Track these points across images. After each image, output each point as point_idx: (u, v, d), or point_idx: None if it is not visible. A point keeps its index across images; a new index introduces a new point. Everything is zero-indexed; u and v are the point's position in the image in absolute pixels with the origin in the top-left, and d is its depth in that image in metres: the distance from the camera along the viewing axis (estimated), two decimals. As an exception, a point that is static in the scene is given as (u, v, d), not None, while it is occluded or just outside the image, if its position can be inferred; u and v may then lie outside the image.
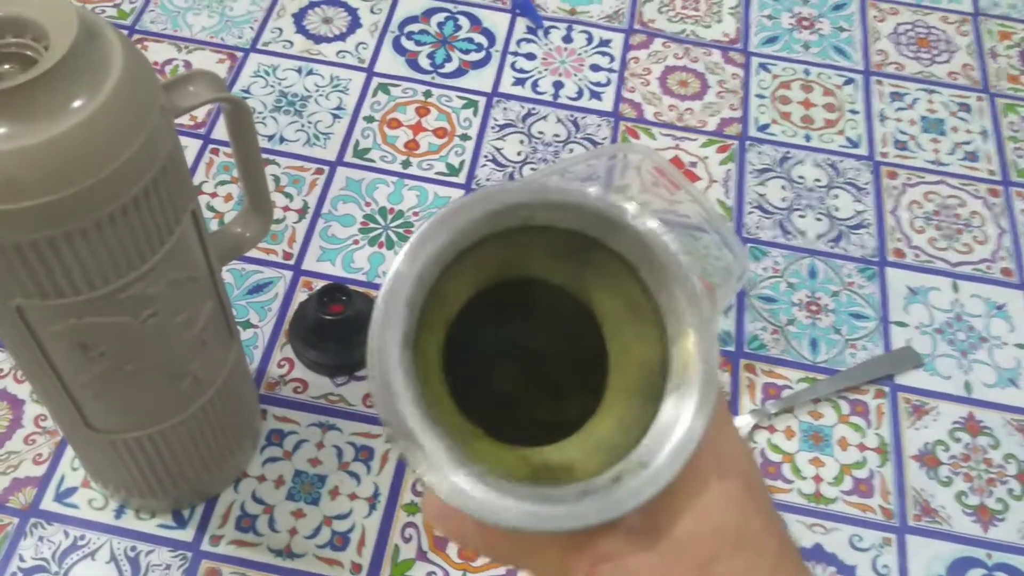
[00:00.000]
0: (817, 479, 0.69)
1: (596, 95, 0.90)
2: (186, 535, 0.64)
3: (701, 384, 0.29)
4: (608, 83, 0.91)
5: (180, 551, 0.63)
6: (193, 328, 0.52)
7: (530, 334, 0.36)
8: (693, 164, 0.86)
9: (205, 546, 0.63)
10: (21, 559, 0.62)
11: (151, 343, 0.49)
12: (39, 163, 0.39)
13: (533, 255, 0.31)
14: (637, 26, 0.96)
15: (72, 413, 0.53)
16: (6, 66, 0.42)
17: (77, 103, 0.40)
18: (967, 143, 0.89)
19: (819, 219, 0.83)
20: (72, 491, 0.65)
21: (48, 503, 0.65)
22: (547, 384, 0.37)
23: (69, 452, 0.66)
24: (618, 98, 0.90)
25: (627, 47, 0.94)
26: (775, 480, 0.68)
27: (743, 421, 0.70)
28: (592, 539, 0.30)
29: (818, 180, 0.85)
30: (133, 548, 0.63)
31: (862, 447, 0.70)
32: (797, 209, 0.83)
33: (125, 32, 0.88)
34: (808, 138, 0.88)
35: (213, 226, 0.78)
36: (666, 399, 0.30)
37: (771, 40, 0.96)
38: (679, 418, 0.29)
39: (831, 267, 0.80)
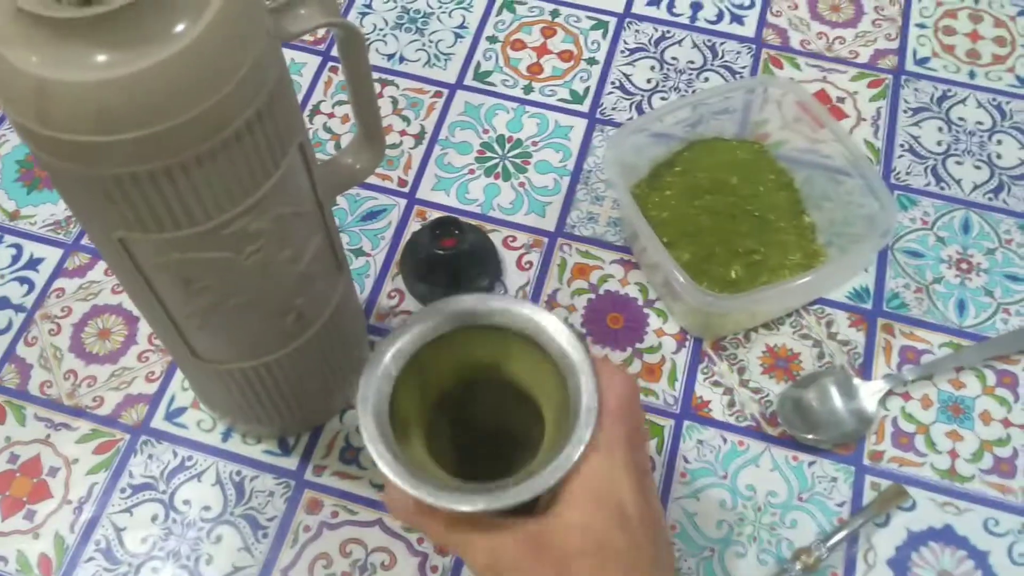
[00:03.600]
0: (953, 454, 0.63)
1: (738, 19, 0.83)
2: (290, 463, 0.64)
3: (582, 418, 0.40)
4: (752, 5, 0.84)
5: (284, 479, 0.63)
6: (299, 264, 0.50)
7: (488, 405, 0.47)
8: (840, 99, 0.79)
9: (308, 475, 0.63)
10: (131, 475, 0.63)
11: (254, 279, 0.48)
12: (138, 94, 0.36)
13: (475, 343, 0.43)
14: (787, -57, 0.88)
15: (179, 342, 0.53)
16: (107, -12, 0.39)
17: (178, 28, 0.37)
18: None
19: (978, 167, 0.75)
20: (182, 411, 0.66)
21: (159, 421, 0.65)
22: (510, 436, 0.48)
23: (180, 373, 0.67)
24: (762, 23, 0.83)
25: (775, -33, 0.86)
26: (906, 452, 0.63)
27: (876, 386, 0.65)
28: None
29: (980, 123, 0.77)
30: (238, 473, 0.63)
31: (1007, 423, 0.64)
32: (954, 154, 0.76)
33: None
34: (972, 75, 0.80)
35: (329, 148, 0.76)
36: (572, 431, 0.39)
37: (938, -38, 0.87)
38: (565, 446, 0.39)
39: (988, 221, 0.72)
